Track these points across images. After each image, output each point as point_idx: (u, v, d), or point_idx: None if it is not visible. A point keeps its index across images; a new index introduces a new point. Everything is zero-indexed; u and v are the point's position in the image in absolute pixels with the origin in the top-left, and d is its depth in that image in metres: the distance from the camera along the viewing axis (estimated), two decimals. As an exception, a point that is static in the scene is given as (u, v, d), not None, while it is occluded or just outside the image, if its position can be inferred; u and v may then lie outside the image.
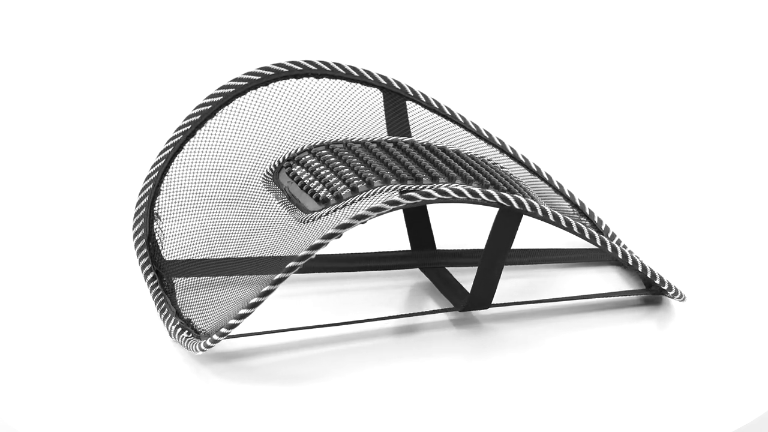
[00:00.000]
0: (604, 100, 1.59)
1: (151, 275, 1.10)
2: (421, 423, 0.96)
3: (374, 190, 1.05)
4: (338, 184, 1.06)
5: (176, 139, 1.13)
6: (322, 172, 1.08)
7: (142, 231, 1.11)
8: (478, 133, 1.19)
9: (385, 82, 1.17)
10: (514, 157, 1.20)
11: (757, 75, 1.62)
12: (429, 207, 1.17)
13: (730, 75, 1.62)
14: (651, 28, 1.72)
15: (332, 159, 1.09)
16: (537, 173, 1.21)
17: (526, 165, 1.20)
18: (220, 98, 1.13)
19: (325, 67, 1.15)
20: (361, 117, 1.16)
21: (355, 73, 1.16)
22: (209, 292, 1.08)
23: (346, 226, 0.97)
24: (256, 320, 1.04)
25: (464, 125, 1.19)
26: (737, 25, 1.69)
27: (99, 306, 1.12)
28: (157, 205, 1.12)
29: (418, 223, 1.17)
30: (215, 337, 0.99)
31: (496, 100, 1.55)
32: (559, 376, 1.02)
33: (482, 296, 1.07)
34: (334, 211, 1.04)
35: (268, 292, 0.97)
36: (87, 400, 0.98)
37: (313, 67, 1.15)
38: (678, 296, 1.10)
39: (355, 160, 1.08)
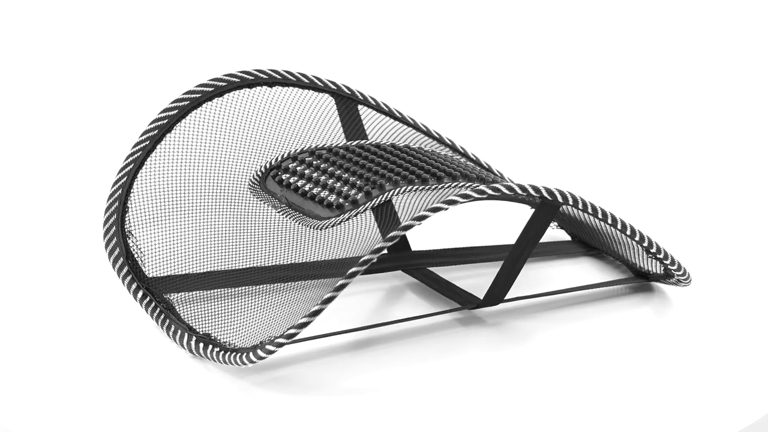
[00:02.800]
0: (541, 95, 1.64)
1: (141, 293, 1.04)
2: (466, 417, 0.94)
3: (387, 194, 1.04)
4: (347, 189, 1.04)
5: (136, 155, 1.09)
6: (321, 178, 1.06)
7: (118, 250, 1.06)
8: (428, 133, 1.20)
9: (335, 87, 1.16)
10: (465, 155, 1.21)
11: (726, 66, 1.68)
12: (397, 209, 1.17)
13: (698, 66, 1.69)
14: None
15: (325, 165, 1.07)
16: (489, 170, 1.22)
17: (478, 164, 1.21)
18: (175, 112, 1.10)
19: (276, 75, 1.14)
20: (319, 122, 1.15)
21: (306, 80, 1.15)
22: (221, 303, 1.04)
23: (406, 228, 0.94)
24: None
25: (415, 126, 1.19)
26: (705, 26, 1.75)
27: (96, 327, 1.06)
28: (127, 222, 1.07)
29: (392, 225, 1.15)
30: (270, 347, 0.94)
31: (436, 103, 1.57)
32: (572, 366, 1.01)
33: (500, 291, 1.06)
34: (356, 215, 1.03)
35: (330, 300, 0.93)
36: (135, 424, 0.92)
37: (264, 76, 1.14)
38: (685, 279, 1.10)
39: (350, 164, 1.07)
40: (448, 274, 1.15)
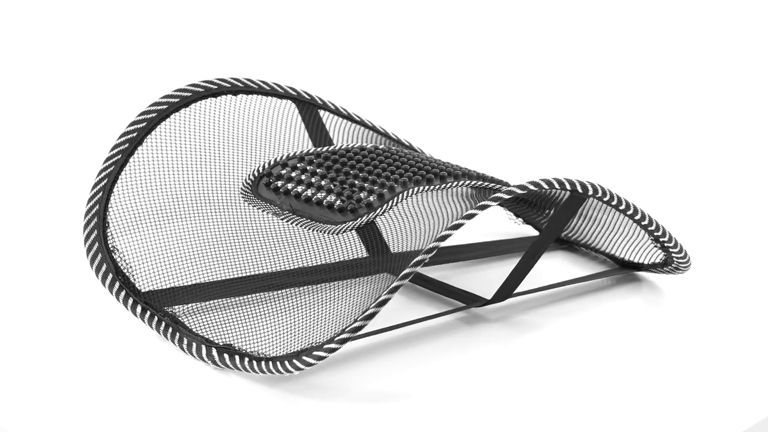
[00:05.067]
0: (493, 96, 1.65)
1: (140, 307, 1.01)
2: (497, 408, 0.94)
3: (399, 196, 1.02)
4: (357, 193, 1.02)
5: (109, 170, 1.06)
6: (323, 183, 1.04)
7: (105, 266, 1.02)
8: (386, 135, 1.20)
9: (295, 93, 1.16)
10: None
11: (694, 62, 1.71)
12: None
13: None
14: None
15: (321, 170, 1.05)
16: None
17: (436, 163, 1.22)
18: (143, 124, 1.08)
19: (239, 84, 1.13)
20: (287, 128, 1.15)
21: (267, 87, 1.14)
22: (230, 312, 1.02)
23: (457, 226, 0.93)
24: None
25: (373, 128, 1.20)
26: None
27: (98, 343, 1.02)
28: (110, 237, 1.04)
29: (370, 229, 1.15)
30: (320, 353, 0.91)
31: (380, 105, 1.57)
32: (583, 359, 1.02)
33: (511, 287, 1.05)
34: (375, 218, 1.01)
35: (384, 302, 0.91)
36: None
37: (227, 85, 1.12)
38: (686, 266, 1.11)
39: (348, 169, 1.05)
40: (430, 274, 1.14)
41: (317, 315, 1.02)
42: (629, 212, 1.04)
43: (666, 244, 1.08)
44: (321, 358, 0.91)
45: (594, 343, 1.04)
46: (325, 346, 0.91)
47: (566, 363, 1.00)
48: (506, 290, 1.06)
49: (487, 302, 1.06)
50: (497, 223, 1.25)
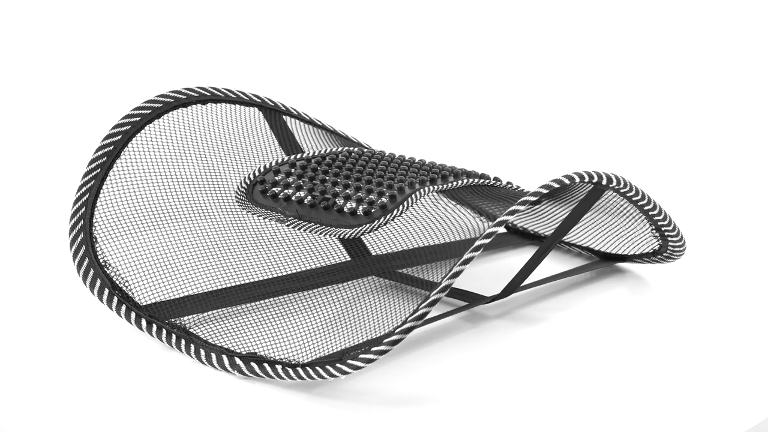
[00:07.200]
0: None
1: (144, 321, 0.99)
2: (521, 398, 0.95)
3: (412, 197, 1.01)
4: (365, 196, 1.01)
5: (90, 184, 1.04)
6: (326, 188, 1.02)
7: (99, 281, 1.00)
8: (347, 138, 1.21)
9: (259, 100, 1.16)
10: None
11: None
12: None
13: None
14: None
15: (321, 176, 1.04)
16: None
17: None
18: (118, 137, 1.06)
19: (206, 93, 1.12)
20: (260, 134, 1.15)
21: (232, 95, 1.14)
22: (241, 320, 1.01)
23: (500, 223, 0.93)
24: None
25: (334, 132, 1.20)
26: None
27: (104, 358, 0.99)
28: (99, 252, 1.01)
29: (358, 243, 1.15)
30: (368, 356, 0.89)
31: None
32: (589, 352, 1.03)
33: (518, 282, 1.06)
34: (392, 219, 0.99)
35: (434, 303, 0.90)
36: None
37: (195, 94, 1.12)
38: (680, 254, 1.14)
39: (348, 172, 1.04)
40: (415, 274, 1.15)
41: (337, 318, 1.01)
42: (642, 202, 1.05)
43: (667, 232, 1.10)
44: (370, 360, 0.89)
45: (596, 335, 1.05)
46: (373, 349, 0.90)
47: (576, 357, 1.01)
48: (513, 286, 1.07)
49: (492, 299, 1.07)
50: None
